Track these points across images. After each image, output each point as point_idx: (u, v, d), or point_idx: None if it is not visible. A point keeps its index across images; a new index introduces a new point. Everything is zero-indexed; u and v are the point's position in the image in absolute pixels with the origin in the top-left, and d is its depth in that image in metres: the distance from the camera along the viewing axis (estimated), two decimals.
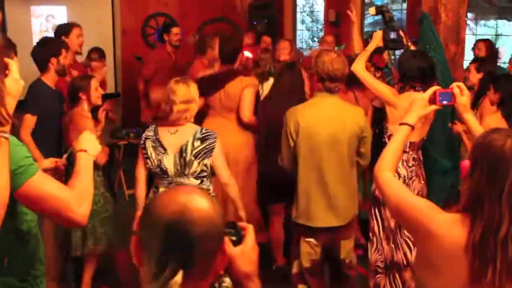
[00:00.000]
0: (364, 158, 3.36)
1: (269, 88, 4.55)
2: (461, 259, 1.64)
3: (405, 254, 3.60)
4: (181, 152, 3.15)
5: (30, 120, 3.68)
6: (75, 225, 1.88)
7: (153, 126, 3.29)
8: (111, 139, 6.38)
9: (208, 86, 4.09)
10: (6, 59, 1.69)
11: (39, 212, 1.91)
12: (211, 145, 3.19)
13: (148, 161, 3.21)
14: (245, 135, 4.30)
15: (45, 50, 3.86)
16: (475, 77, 4.51)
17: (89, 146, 2.06)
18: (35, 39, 5.91)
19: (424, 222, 1.74)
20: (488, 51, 5.50)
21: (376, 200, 3.56)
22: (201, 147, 3.16)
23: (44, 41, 4.09)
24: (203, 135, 3.19)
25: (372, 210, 3.63)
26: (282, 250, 4.47)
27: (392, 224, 3.58)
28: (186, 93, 3.16)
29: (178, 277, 1.07)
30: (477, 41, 5.93)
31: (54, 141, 3.81)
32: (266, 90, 4.77)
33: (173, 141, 3.19)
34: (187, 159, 3.14)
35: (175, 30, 6.31)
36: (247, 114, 4.22)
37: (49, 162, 2.26)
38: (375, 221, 3.63)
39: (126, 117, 7.64)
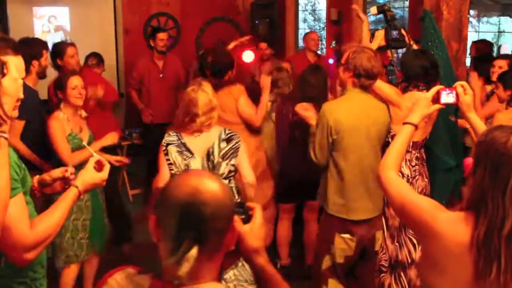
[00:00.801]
0: None
1: (292, 88, 4.57)
2: (465, 257, 1.64)
3: (409, 252, 3.59)
4: (209, 155, 3.09)
5: (18, 125, 3.55)
6: (15, 263, 1.79)
7: (173, 132, 3.17)
8: None
9: None
10: (4, 58, 1.65)
11: None
12: (236, 145, 3.15)
13: (173, 166, 3.11)
14: (251, 142, 4.26)
15: (26, 52, 3.63)
16: None
17: (86, 186, 2.00)
18: None
19: (427, 221, 1.74)
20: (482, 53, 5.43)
21: None
22: (227, 148, 3.12)
23: (24, 42, 3.84)
24: (228, 135, 3.15)
25: None
26: (288, 248, 4.48)
27: (396, 222, 3.58)
28: (208, 102, 3.07)
29: (194, 251, 1.19)
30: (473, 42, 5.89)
31: (39, 141, 3.71)
32: None
33: (198, 144, 3.12)
34: (215, 161, 3.09)
35: (160, 35, 5.99)
36: (255, 118, 4.24)
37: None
38: None
39: (129, 118, 7.64)
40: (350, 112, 3.18)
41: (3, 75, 1.63)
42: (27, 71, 3.67)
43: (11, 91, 1.64)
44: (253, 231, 1.40)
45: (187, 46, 7.75)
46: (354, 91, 3.22)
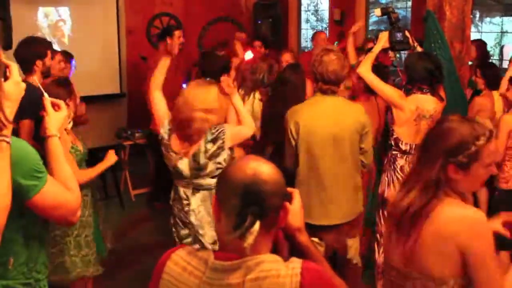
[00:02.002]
0: (367, 155, 3.32)
1: (272, 88, 4.50)
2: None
3: None
4: (194, 156, 3.04)
5: (30, 125, 3.43)
6: (71, 225, 1.98)
7: (169, 127, 3.16)
8: (117, 139, 6.40)
9: None
10: (6, 62, 1.64)
11: (46, 218, 1.93)
12: (222, 144, 3.04)
13: (165, 159, 3.18)
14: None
15: (30, 51, 3.67)
16: None
17: (58, 129, 2.02)
18: None
19: None
20: (479, 52, 5.36)
21: (383, 201, 3.56)
22: (214, 149, 3.03)
23: (28, 41, 3.80)
24: (213, 135, 3.03)
25: (380, 211, 3.62)
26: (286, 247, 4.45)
27: None
28: (204, 100, 3.00)
29: (257, 225, 1.34)
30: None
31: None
32: (257, 99, 4.63)
33: (184, 147, 3.10)
34: (201, 162, 3.03)
35: (178, 33, 6.01)
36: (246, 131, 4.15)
37: None
38: (382, 222, 3.62)
39: (131, 118, 7.64)
40: (310, 116, 3.18)
41: (6, 78, 1.62)
42: (32, 70, 3.71)
43: (13, 96, 1.63)
44: (295, 212, 1.52)
45: (190, 46, 7.73)
46: (316, 95, 3.25)
